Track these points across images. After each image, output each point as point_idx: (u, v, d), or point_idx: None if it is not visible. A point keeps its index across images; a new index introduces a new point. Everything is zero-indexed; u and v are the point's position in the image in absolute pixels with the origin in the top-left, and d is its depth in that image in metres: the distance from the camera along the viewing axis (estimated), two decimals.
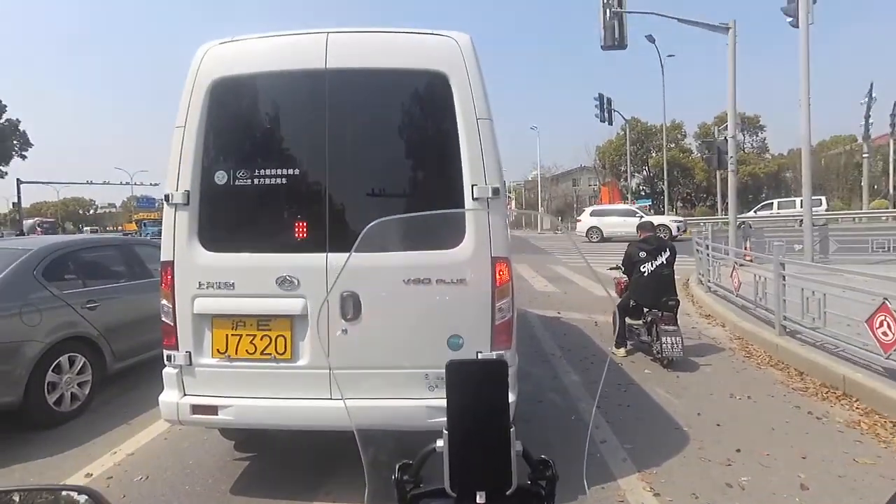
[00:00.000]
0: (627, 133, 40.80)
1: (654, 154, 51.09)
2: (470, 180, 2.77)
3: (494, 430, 0.87)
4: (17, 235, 29.60)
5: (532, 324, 7.71)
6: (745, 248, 11.41)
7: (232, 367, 2.89)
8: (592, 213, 27.16)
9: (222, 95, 2.96)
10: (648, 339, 5.74)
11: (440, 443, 0.88)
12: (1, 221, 63.67)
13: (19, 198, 45.00)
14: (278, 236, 2.91)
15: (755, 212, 29.88)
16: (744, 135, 50.70)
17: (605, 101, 30.07)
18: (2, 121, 45.43)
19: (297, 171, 2.91)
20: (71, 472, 3.57)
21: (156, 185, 51.45)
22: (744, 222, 17.11)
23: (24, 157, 47.61)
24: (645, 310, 5.80)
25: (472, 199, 2.76)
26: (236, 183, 2.90)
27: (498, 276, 2.77)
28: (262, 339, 2.87)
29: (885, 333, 4.33)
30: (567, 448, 3.37)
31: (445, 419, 0.88)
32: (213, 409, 2.88)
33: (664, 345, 5.31)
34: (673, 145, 48.54)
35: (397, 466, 0.94)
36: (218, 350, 2.89)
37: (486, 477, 0.86)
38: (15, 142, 46.54)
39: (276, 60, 2.95)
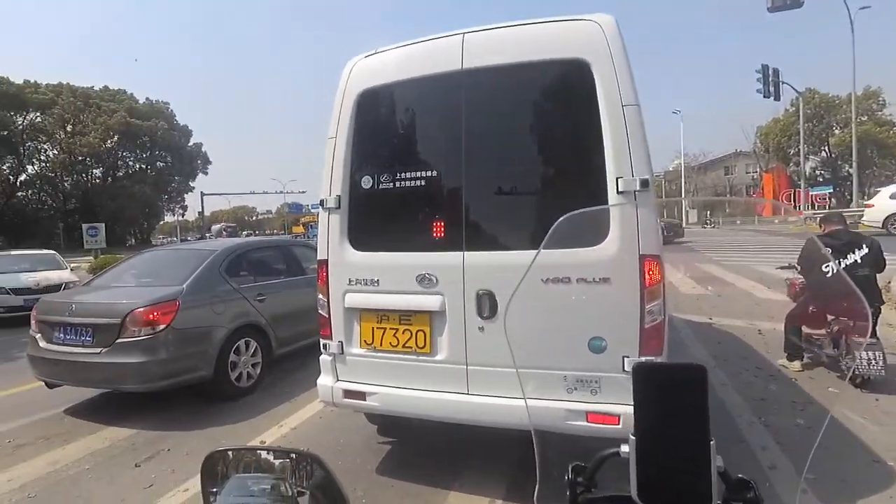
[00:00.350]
0: (801, 107, 34.36)
1: (836, 131, 43.40)
2: (615, 172, 2.57)
3: (691, 441, 0.78)
4: (198, 239, 35.16)
5: (678, 329, 6.98)
6: None
7: (377, 358, 3.07)
8: (893, 196, 19.59)
9: (367, 105, 3.14)
10: (835, 352, 4.79)
11: (625, 448, 0.82)
12: (190, 227, 76.38)
13: (203, 207, 54.15)
14: (418, 236, 2.99)
15: None
16: None
17: (769, 72, 26.13)
18: (190, 145, 55.49)
19: (434, 173, 2.98)
20: (248, 437, 4.13)
21: (303, 192, 58.07)
22: None
23: (206, 173, 58.04)
24: (830, 317, 4.88)
25: (618, 192, 2.55)
26: (380, 187, 3.07)
27: (647, 276, 2.53)
28: (403, 332, 2.99)
29: None
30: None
31: (631, 425, 0.82)
32: (361, 395, 3.09)
33: (859, 360, 4.39)
34: (865, 118, 40.65)
35: (570, 467, 0.90)
36: (365, 341, 3.09)
37: (680, 490, 0.78)
38: (199, 161, 56.80)
39: (414, 67, 3.04)
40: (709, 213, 41.65)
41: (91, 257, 20.19)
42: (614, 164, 2.57)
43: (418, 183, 2.98)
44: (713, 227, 36.04)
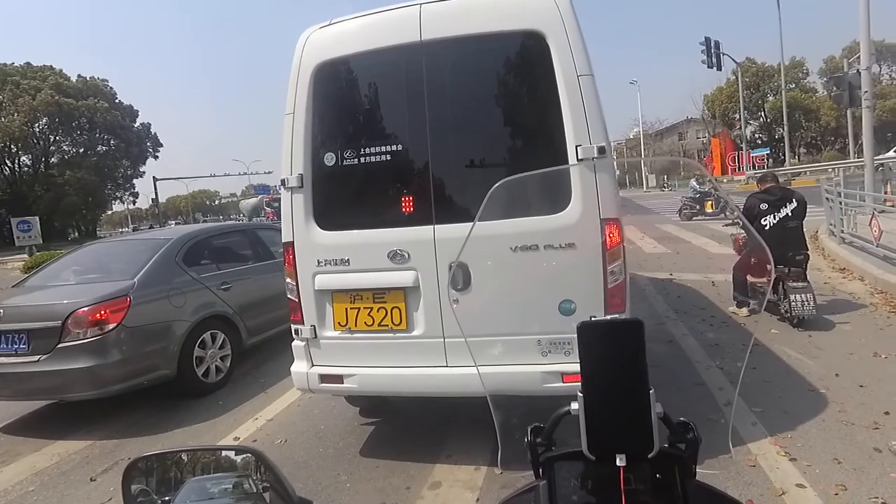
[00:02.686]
0: (739, 77, 36.59)
1: (770, 98, 45.84)
2: (574, 141, 2.68)
3: (633, 391, 0.84)
4: (149, 228, 32.82)
5: (643, 287, 7.39)
6: (886, 193, 9.98)
7: (353, 339, 3.06)
8: None
9: (325, 79, 3.07)
10: (775, 297, 5.25)
11: (575, 405, 0.87)
12: (143, 216, 72.00)
13: (157, 194, 50.64)
14: (387, 212, 3.01)
15: None
16: (880, 66, 43.81)
17: (712, 44, 27.33)
18: (136, 125, 51.14)
19: (400, 147, 2.97)
20: (221, 435, 3.98)
21: (269, 172, 55.24)
22: (882, 164, 14.81)
23: (156, 157, 53.83)
24: (768, 266, 5.30)
25: (577, 160, 2.66)
26: (344, 163, 3.03)
27: (608, 239, 2.68)
28: (378, 311, 3.01)
29: None
30: (690, 413, 3.22)
31: (579, 382, 0.87)
32: (338, 378, 3.08)
33: (793, 303, 4.85)
34: (793, 86, 43.11)
35: (529, 429, 0.93)
36: (339, 323, 3.07)
37: (626, 440, 0.83)
38: (148, 143, 52.39)
39: (372, 39, 3.00)
40: (665, 177, 43.21)
41: (26, 255, 18.58)
42: (573, 132, 2.68)
43: (383, 158, 2.97)
44: (671, 189, 37.39)
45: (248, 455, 0.97)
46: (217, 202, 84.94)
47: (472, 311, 2.83)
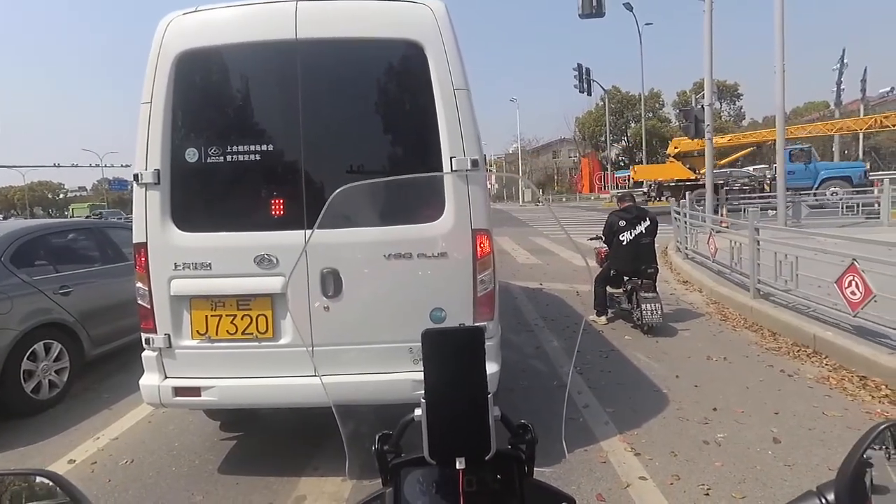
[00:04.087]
0: (606, 103, 40.84)
1: (633, 124, 51.25)
2: (449, 152, 2.73)
3: (472, 397, 0.87)
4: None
5: (515, 295, 7.80)
6: (721, 215, 11.64)
7: (213, 348, 2.86)
8: None
9: (189, 69, 2.85)
10: (629, 306, 5.85)
11: (418, 412, 0.88)
12: None
13: None
14: (254, 214, 2.85)
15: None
16: (721, 103, 51.01)
17: (583, 71, 29.93)
18: None
19: (271, 147, 2.84)
20: (53, 458, 3.53)
21: (127, 166, 49.85)
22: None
23: None
24: (625, 278, 5.90)
25: (452, 171, 2.73)
26: (208, 160, 2.82)
27: (479, 249, 2.77)
28: (242, 318, 2.84)
29: (853, 293, 4.47)
30: (551, 413, 3.44)
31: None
32: (195, 391, 2.86)
33: (644, 311, 5.42)
34: (651, 115, 48.69)
35: (377, 437, 0.94)
36: (198, 331, 2.85)
37: (464, 443, 0.85)
38: None
39: (243, 31, 2.84)
40: (541, 191, 46.28)
41: None
42: (448, 144, 2.74)
43: (253, 157, 2.81)
44: (544, 204, 40.23)
45: (43, 479, 0.84)
46: (62, 195, 74.85)
47: (343, 318, 2.76)
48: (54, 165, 57.87)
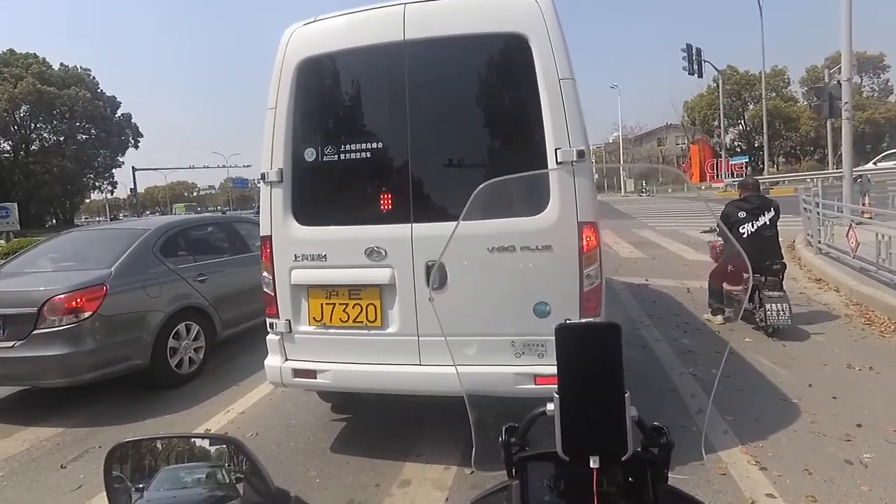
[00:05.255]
0: (720, 84, 37.30)
1: (751, 106, 46.66)
2: (553, 144, 2.67)
3: (608, 394, 0.84)
4: (111, 220, 32.74)
5: (618, 291, 7.43)
6: (864, 204, 10.19)
7: (327, 334, 3.05)
8: None
9: (308, 75, 3.06)
10: (750, 305, 5.29)
11: (550, 406, 0.87)
12: (122, 206, 71.58)
13: (135, 184, 50.56)
14: (365, 209, 2.99)
15: (875, 163, 26.33)
16: (861, 77, 44.84)
17: (693, 51, 27.88)
18: (117, 116, 51.06)
19: (380, 145, 2.96)
20: (192, 426, 3.97)
21: (248, 166, 55.48)
22: (860, 176, 15.18)
23: (136, 146, 53.89)
24: (745, 275, 5.36)
25: (557, 163, 2.65)
26: (324, 159, 3.02)
27: (585, 242, 2.67)
28: (353, 307, 2.99)
29: None
30: (662, 420, 3.24)
31: (555, 384, 0.87)
32: (311, 374, 3.07)
33: (769, 311, 4.90)
34: (774, 94, 43.98)
35: (504, 429, 0.93)
36: (314, 318, 3.06)
37: (600, 442, 0.84)
38: (129, 133, 52.51)
39: (356, 36, 2.99)
40: (644, 182, 43.79)
41: (2, 241, 18.45)
42: (553, 135, 2.67)
43: (364, 155, 2.96)
44: (648, 195, 38.00)
45: (224, 444, 0.96)
46: (195, 193, 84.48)
47: (447, 310, 2.81)
48: (190, 167, 68.68)
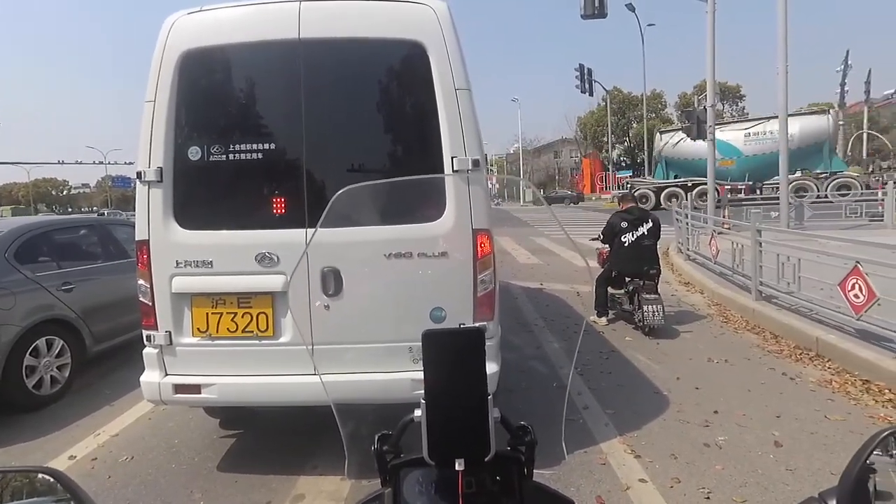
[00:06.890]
0: (608, 104, 40.93)
1: (634, 125, 51.26)
2: (450, 152, 2.73)
3: (472, 398, 0.86)
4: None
5: (515, 295, 7.79)
6: (724, 217, 11.61)
7: (213, 346, 2.86)
8: None
9: (192, 68, 2.85)
10: (630, 307, 5.84)
11: (418, 412, 0.88)
12: None
13: None
14: (256, 213, 2.85)
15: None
16: (723, 104, 50.95)
17: (585, 71, 30.08)
18: None
19: (273, 146, 2.84)
20: (54, 454, 3.53)
21: (130, 163, 50.22)
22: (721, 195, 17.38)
23: None
24: (626, 279, 5.89)
25: (453, 170, 2.72)
26: (211, 159, 2.82)
27: (479, 248, 2.76)
28: (243, 316, 2.84)
29: (856, 296, 4.46)
30: (550, 415, 3.43)
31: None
32: (195, 388, 2.86)
33: (645, 313, 5.41)
34: (654, 115, 48.70)
35: (377, 437, 0.93)
36: (198, 329, 2.85)
37: (464, 444, 0.85)
38: None
39: (247, 31, 2.85)
40: (542, 191, 46.28)
41: None
42: (449, 144, 2.73)
43: (255, 156, 2.81)
44: (542, 204, 40.26)
45: (44, 475, 0.86)
46: (65, 192, 75.42)
47: (343, 317, 2.76)
48: (58, 162, 58.49)
